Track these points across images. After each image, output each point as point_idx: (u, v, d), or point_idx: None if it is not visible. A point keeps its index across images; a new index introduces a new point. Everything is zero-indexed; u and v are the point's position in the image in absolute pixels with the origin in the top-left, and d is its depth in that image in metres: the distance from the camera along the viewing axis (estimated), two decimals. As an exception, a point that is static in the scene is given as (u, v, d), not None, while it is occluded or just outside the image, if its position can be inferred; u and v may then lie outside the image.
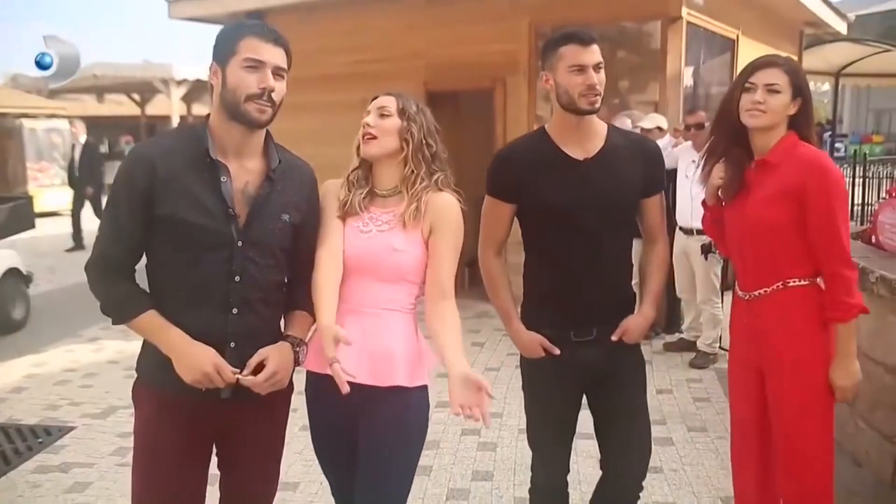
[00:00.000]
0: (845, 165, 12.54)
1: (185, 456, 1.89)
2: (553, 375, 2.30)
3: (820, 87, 20.79)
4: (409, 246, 2.00)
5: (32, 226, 6.78)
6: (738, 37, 7.02)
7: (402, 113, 2.04)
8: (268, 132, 1.92)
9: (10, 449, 3.87)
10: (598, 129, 2.25)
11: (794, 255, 2.17)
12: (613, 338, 2.26)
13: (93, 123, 18.71)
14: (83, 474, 3.60)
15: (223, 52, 1.81)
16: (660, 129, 5.54)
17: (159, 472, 1.89)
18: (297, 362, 1.94)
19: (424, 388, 2.07)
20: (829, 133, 19.11)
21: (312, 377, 2.05)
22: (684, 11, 5.70)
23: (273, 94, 1.80)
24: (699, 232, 4.55)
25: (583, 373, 2.30)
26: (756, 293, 2.25)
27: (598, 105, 2.16)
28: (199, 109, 21.41)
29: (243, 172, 1.86)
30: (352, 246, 2.02)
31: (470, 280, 6.90)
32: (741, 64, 7.01)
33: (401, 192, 2.04)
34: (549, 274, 2.29)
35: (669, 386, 4.73)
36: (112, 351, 5.68)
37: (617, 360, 2.29)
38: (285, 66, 1.85)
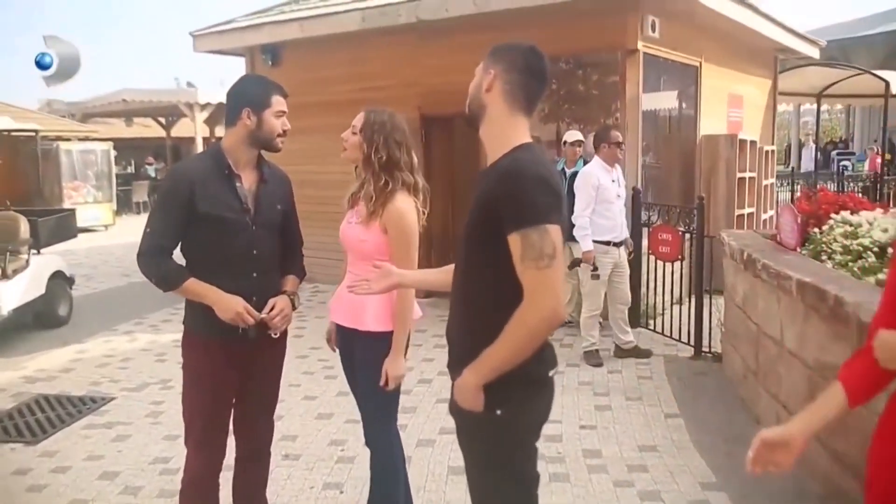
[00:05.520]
0: (829, 182, 13.32)
1: (223, 383, 2.65)
2: None
3: (833, 107, 21.14)
4: (369, 237, 2.74)
5: (75, 235, 7.69)
6: (700, 64, 7.79)
7: (363, 130, 2.71)
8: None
9: (63, 413, 4.72)
10: (499, 144, 1.91)
11: None
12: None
13: (121, 145, 19.80)
14: (124, 429, 4.43)
15: (258, 102, 2.55)
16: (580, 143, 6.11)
17: (206, 396, 2.62)
18: (293, 307, 2.75)
19: (390, 332, 2.76)
20: (837, 151, 19.68)
21: (336, 327, 2.95)
22: (640, 44, 6.46)
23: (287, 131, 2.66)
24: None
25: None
26: None
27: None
28: (221, 131, 22.38)
29: (248, 179, 2.65)
30: (342, 232, 2.86)
31: (436, 259, 7.78)
32: (705, 88, 7.85)
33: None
34: None
35: (619, 368, 5.48)
36: (144, 341, 6.57)
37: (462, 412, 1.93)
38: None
